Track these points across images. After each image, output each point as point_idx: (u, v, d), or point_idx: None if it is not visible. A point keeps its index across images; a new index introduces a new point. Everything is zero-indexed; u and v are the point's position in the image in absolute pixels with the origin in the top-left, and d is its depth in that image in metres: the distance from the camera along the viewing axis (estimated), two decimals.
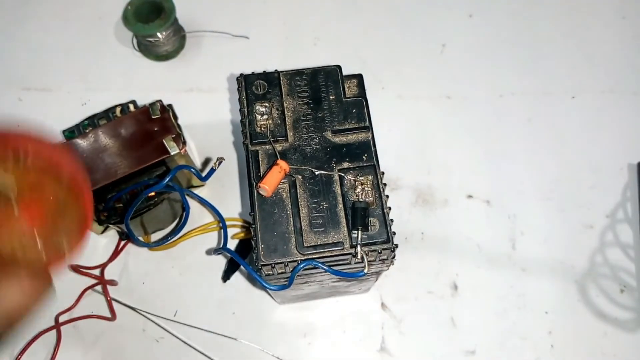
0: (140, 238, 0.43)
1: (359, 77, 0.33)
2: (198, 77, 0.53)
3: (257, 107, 0.32)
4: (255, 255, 0.28)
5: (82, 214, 0.24)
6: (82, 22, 0.56)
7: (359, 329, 0.43)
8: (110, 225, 0.43)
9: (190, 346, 0.42)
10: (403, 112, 0.52)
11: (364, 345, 0.43)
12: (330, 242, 0.29)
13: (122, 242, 0.44)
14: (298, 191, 0.30)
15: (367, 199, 0.29)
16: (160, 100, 0.41)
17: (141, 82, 0.53)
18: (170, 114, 0.41)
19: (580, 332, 0.44)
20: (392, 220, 0.29)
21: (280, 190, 0.30)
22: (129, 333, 0.43)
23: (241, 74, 0.33)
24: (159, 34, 0.50)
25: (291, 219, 0.29)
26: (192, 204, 0.47)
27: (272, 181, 0.29)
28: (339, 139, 0.31)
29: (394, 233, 0.29)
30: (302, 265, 0.28)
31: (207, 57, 0.54)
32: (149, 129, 0.40)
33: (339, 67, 0.33)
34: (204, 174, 0.35)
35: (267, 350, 0.42)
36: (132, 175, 0.39)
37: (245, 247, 0.45)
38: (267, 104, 0.32)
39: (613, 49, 0.55)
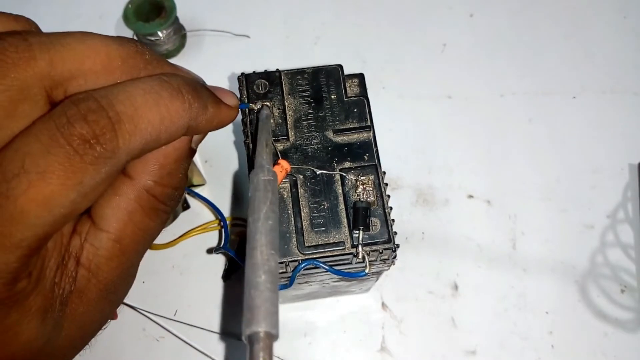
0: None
1: (360, 77, 0.33)
2: (199, 75, 0.53)
3: (258, 107, 0.32)
4: None
5: None
6: (83, 21, 0.56)
7: (360, 329, 0.43)
8: None
9: (191, 345, 0.42)
10: (404, 112, 0.52)
11: (364, 345, 0.43)
12: (332, 241, 0.28)
13: None
14: (299, 191, 0.30)
15: (368, 199, 0.29)
16: None
17: None
18: None
19: (580, 332, 0.44)
20: (393, 220, 0.29)
21: (281, 190, 0.30)
22: (130, 332, 0.43)
23: (242, 73, 0.33)
24: (159, 33, 0.50)
25: (292, 219, 0.29)
26: (193, 202, 0.47)
27: None
28: (340, 139, 0.31)
29: (395, 233, 0.29)
30: (303, 265, 0.28)
31: (208, 56, 0.54)
32: None
33: (340, 66, 0.33)
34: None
35: None
36: None
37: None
38: (268, 103, 0.32)
39: (614, 49, 0.55)
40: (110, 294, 0.21)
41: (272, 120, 0.31)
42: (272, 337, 0.18)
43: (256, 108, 0.31)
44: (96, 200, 0.20)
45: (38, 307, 0.18)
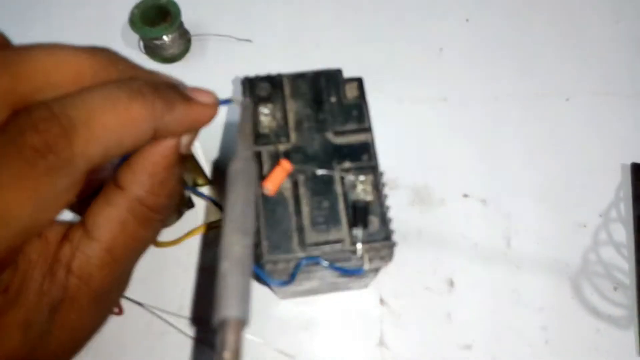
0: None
1: (360, 80, 0.34)
2: (203, 79, 0.53)
3: (261, 109, 0.33)
4: (258, 252, 0.30)
5: None
6: (89, 25, 0.57)
7: (359, 324, 0.45)
8: None
9: (195, 340, 0.43)
10: (401, 114, 0.53)
11: (363, 339, 0.44)
12: (331, 239, 0.30)
13: None
14: (300, 190, 0.31)
15: (367, 198, 0.30)
16: None
17: None
18: None
19: (574, 328, 0.45)
20: (391, 219, 0.30)
21: (282, 190, 0.31)
22: (135, 328, 0.44)
23: (246, 77, 0.34)
24: (164, 37, 0.51)
25: (293, 217, 0.30)
26: (197, 201, 0.48)
27: (275, 181, 0.30)
28: (340, 140, 0.32)
29: (393, 231, 0.30)
30: (304, 262, 0.29)
31: (212, 60, 0.55)
32: None
33: (339, 70, 0.34)
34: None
35: (269, 343, 0.43)
36: None
37: None
38: (270, 106, 0.33)
39: (607, 52, 0.56)
40: (102, 301, 0.21)
41: (274, 123, 0.32)
42: (239, 320, 0.18)
43: (239, 102, 0.31)
44: (90, 209, 0.20)
45: (19, 321, 0.18)
